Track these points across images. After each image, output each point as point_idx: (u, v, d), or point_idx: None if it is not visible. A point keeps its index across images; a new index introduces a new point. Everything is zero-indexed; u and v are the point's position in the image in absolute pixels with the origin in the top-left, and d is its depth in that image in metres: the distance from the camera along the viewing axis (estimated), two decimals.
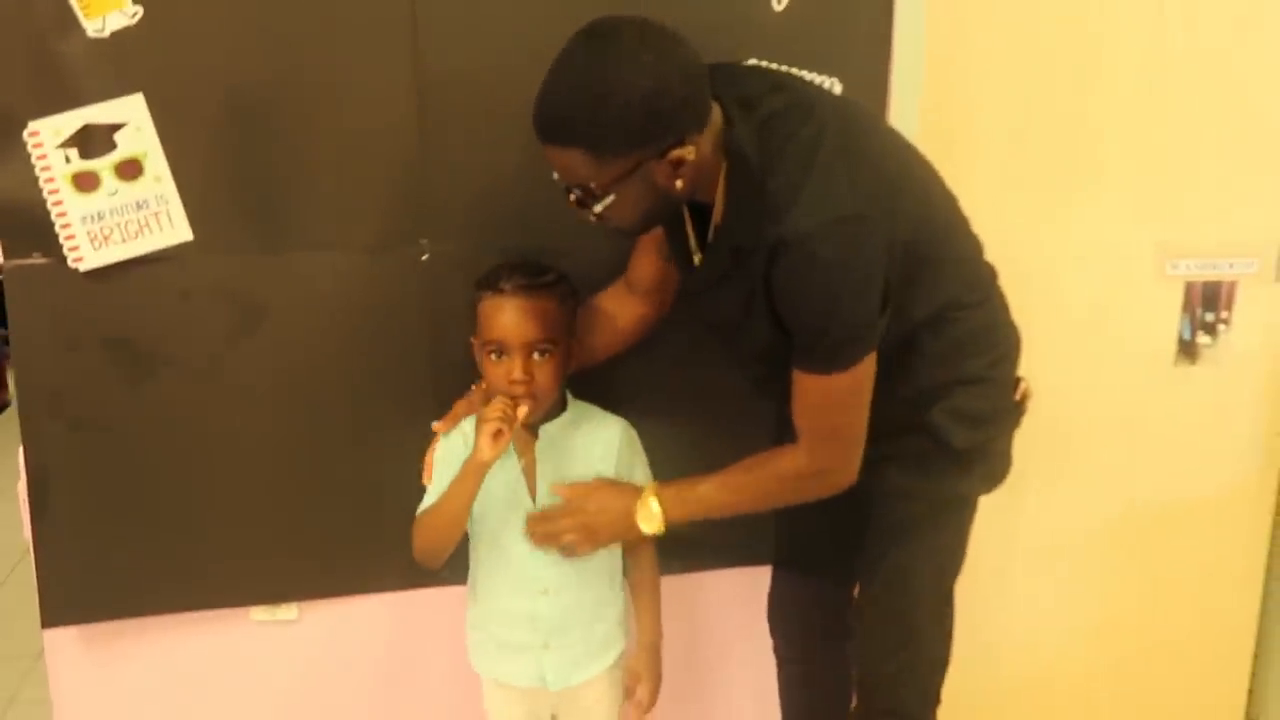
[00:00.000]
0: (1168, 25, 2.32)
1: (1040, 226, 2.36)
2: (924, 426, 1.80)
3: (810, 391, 1.68)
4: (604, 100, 1.50)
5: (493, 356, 1.81)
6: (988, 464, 1.88)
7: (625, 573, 2.02)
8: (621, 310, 1.97)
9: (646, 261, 1.92)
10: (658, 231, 1.82)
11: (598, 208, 1.59)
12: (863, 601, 1.98)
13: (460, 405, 1.95)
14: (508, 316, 1.79)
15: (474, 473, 1.78)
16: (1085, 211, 2.38)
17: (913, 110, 2.10)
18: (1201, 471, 2.59)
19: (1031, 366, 2.46)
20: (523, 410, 1.78)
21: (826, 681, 2.17)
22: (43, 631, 2.07)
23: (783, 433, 1.81)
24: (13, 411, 1.98)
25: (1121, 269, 2.43)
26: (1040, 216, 2.36)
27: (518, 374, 1.78)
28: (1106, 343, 2.46)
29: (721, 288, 1.71)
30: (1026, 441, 2.49)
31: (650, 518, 1.83)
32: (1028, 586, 2.59)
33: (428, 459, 1.94)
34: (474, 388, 1.96)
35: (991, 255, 2.42)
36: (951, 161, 1.91)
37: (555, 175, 1.62)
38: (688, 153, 1.55)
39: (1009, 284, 2.40)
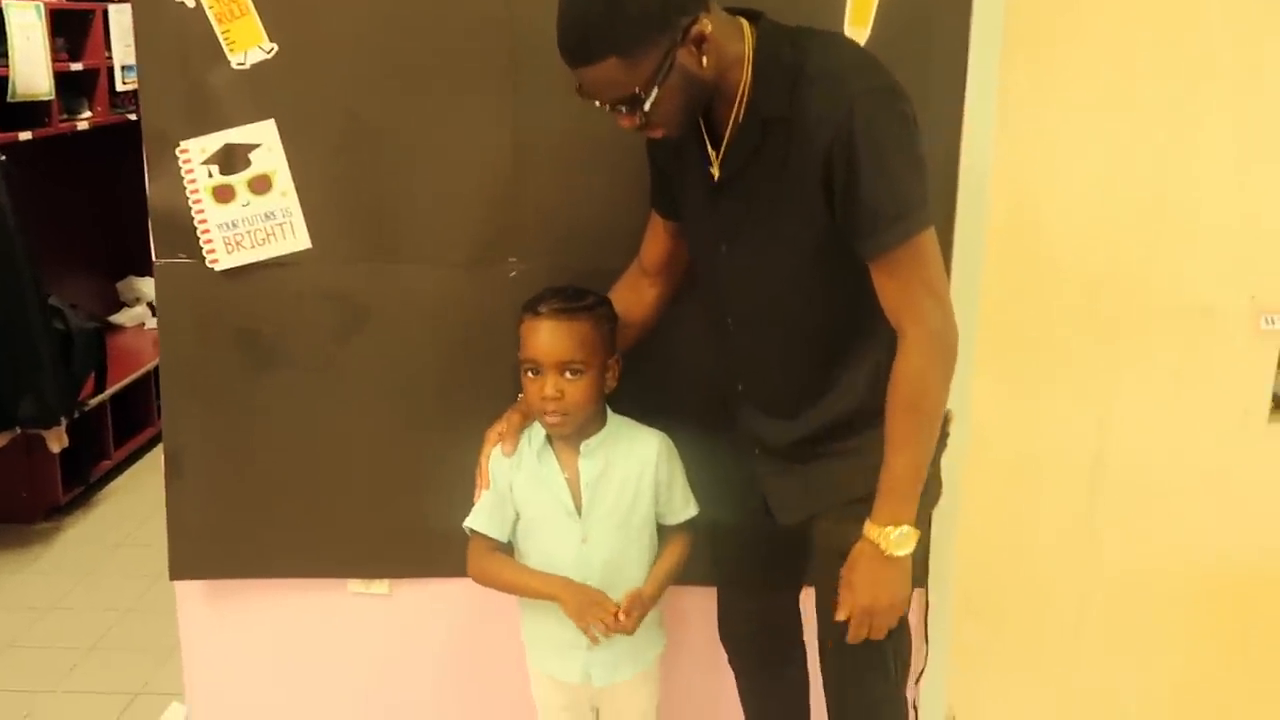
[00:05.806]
0: (1265, 75, 2.26)
1: (1131, 274, 2.34)
2: (870, 445, 1.81)
3: (899, 264, 1.70)
4: (618, 1, 1.60)
5: (529, 374, 1.96)
6: (927, 489, 1.84)
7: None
8: (638, 293, 2.07)
9: (656, 242, 2.03)
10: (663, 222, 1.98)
11: (646, 107, 1.66)
12: (826, 634, 1.96)
13: (499, 424, 2.06)
14: (541, 337, 1.93)
15: (550, 599, 1.99)
16: (1176, 263, 2.34)
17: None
18: None
19: (1121, 416, 2.44)
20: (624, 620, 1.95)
21: (783, 689, 2.22)
22: (173, 583, 2.37)
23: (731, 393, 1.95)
24: None
25: (1214, 323, 2.35)
26: (1130, 265, 2.34)
27: (549, 391, 1.92)
28: (1198, 397, 2.39)
29: (750, 172, 1.76)
30: (1107, 493, 2.48)
31: (897, 542, 1.77)
32: (1106, 643, 2.54)
33: (481, 463, 2.06)
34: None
35: (1083, 305, 2.43)
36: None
37: (596, 102, 1.70)
38: (704, 26, 1.64)
39: (1100, 332, 2.40)
